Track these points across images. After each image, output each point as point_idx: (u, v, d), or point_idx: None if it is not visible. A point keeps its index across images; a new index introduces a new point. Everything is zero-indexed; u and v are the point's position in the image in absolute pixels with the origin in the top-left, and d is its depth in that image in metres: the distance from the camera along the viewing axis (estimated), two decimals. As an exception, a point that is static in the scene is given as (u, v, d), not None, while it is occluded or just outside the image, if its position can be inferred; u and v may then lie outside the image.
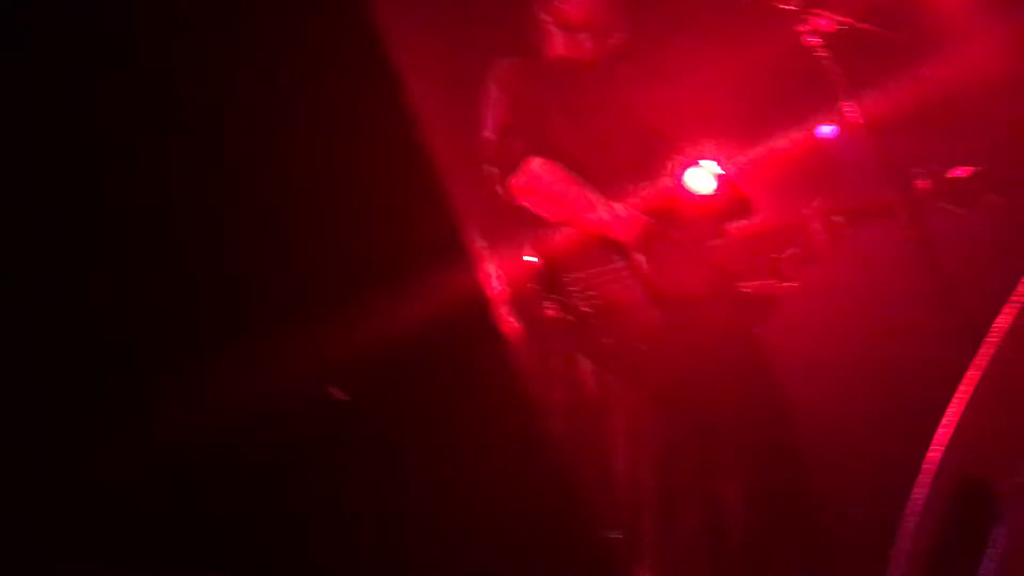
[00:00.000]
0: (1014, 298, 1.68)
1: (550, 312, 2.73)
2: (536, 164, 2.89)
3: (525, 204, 2.91)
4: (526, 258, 2.81)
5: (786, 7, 2.84)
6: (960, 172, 3.26)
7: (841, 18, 2.79)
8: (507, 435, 1.93)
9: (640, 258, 2.76)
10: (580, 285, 2.72)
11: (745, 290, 2.94)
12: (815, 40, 2.78)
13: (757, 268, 3.00)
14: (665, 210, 2.90)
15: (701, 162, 3.03)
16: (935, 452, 1.68)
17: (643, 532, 2.74)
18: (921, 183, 3.29)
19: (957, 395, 1.69)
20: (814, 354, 3.52)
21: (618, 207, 2.82)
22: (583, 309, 2.70)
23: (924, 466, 1.68)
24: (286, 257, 1.81)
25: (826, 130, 3.42)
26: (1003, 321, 1.67)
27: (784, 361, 3.04)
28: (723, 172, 3.02)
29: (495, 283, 2.80)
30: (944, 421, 1.69)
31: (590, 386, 2.93)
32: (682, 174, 3.08)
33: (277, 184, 1.80)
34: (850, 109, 2.74)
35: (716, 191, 3.09)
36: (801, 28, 2.81)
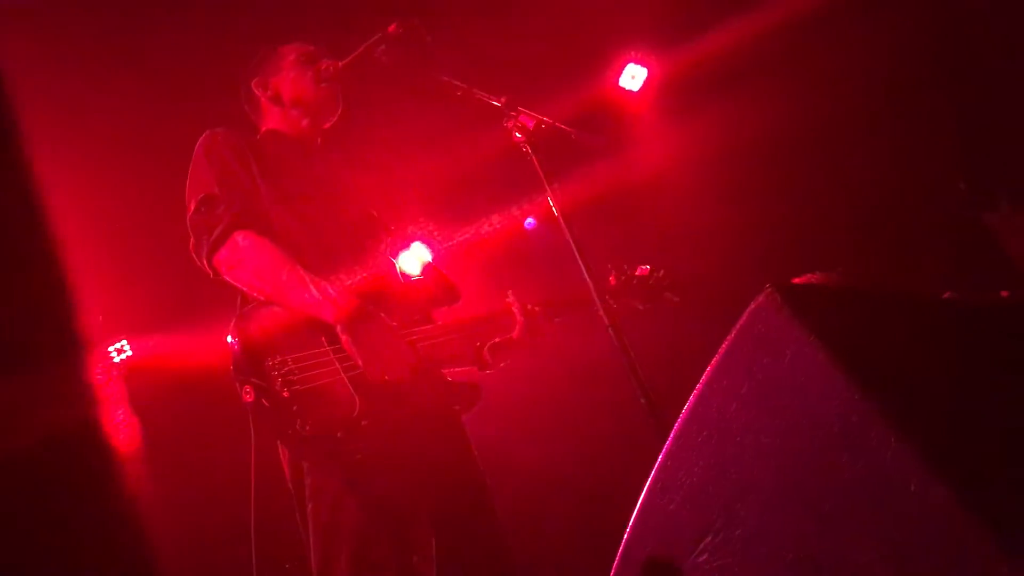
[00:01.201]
0: (699, 387, 1.79)
1: (247, 397, 2.57)
2: (242, 238, 2.77)
3: (230, 279, 2.79)
4: (229, 339, 2.66)
5: (494, 104, 2.97)
6: (643, 271, 3.56)
7: (544, 118, 2.96)
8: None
9: (347, 341, 2.68)
10: (283, 368, 2.59)
11: (448, 376, 2.96)
12: (520, 136, 2.93)
13: (460, 354, 3.05)
14: (374, 293, 2.87)
15: (411, 247, 3.07)
16: (625, 533, 1.74)
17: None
18: (612, 279, 3.55)
19: (648, 479, 1.77)
20: (514, 438, 3.63)
21: (327, 287, 2.75)
22: (283, 394, 2.56)
23: (619, 547, 1.74)
24: None
25: (528, 222, 3.60)
26: (686, 408, 1.78)
27: (485, 446, 3.10)
28: (431, 259, 3.07)
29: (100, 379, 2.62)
30: (636, 504, 1.76)
31: (287, 474, 2.81)
32: (392, 259, 3.10)
33: None
34: (550, 204, 2.88)
35: (424, 277, 3.13)
36: (508, 124, 2.95)
